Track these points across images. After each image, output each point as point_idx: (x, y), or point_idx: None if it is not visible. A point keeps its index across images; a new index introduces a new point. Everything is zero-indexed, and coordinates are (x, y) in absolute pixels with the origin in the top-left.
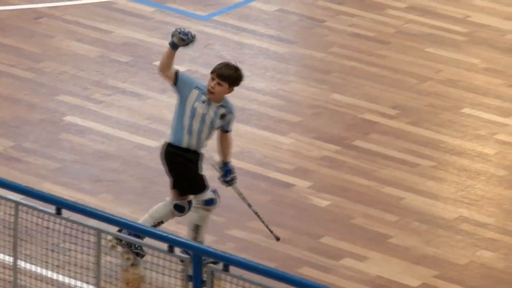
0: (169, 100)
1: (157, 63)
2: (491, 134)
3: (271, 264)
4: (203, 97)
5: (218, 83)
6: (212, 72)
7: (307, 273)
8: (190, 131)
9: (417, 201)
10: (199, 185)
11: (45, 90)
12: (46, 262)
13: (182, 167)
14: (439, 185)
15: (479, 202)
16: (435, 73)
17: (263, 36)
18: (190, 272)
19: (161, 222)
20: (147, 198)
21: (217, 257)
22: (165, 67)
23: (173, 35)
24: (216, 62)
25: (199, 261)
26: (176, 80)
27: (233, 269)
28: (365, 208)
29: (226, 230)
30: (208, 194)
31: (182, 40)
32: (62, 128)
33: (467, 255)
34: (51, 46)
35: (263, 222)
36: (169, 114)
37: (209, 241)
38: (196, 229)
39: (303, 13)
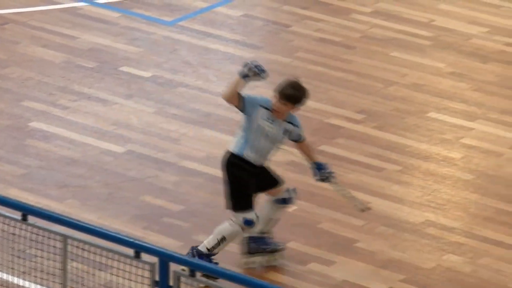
0: (135, 105)
1: (124, 68)
2: (457, 138)
3: (237, 269)
4: (269, 115)
5: (283, 103)
6: (276, 92)
7: (273, 278)
8: (255, 148)
9: (383, 206)
10: (248, 203)
11: (10, 96)
12: (12, 268)
13: (241, 180)
14: (405, 190)
15: (445, 206)
16: (400, 77)
17: (229, 41)
18: (156, 277)
19: (273, 219)
20: (114, 203)
21: (184, 263)
22: (233, 96)
23: (248, 68)
24: (182, 67)
25: (165, 266)
26: (242, 106)
27: (199, 274)
28: (331, 212)
29: (192, 235)
30: (251, 214)
31: (253, 72)
32: (27, 134)
33: (434, 259)
34: (16, 52)
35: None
36: (135, 120)
37: (175, 246)
38: (222, 241)
39: (268, 18)
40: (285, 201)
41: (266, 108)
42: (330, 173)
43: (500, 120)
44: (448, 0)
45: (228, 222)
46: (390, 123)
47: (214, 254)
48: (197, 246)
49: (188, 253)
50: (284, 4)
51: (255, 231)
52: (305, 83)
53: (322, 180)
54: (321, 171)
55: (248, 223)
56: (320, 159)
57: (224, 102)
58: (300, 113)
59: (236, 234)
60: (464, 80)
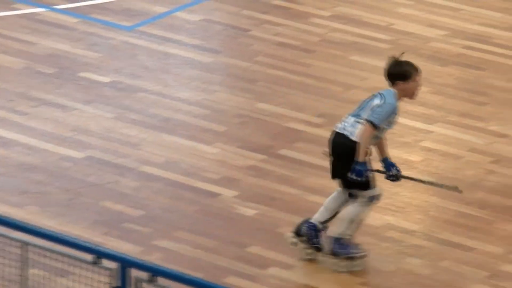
0: (95, 111)
1: (83, 74)
2: (416, 141)
3: (197, 274)
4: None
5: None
6: (410, 74)
7: (233, 282)
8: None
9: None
10: (373, 181)
11: None
12: None
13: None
14: None
15: (405, 209)
16: (360, 81)
17: (188, 46)
18: (116, 283)
19: (337, 213)
20: (74, 209)
21: (144, 268)
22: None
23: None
24: (141, 72)
25: (125, 272)
26: (376, 128)
27: (160, 279)
28: (291, 216)
29: (152, 240)
30: (377, 190)
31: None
32: None
33: (394, 262)
34: None
35: (441, 186)
36: (94, 126)
37: (135, 251)
38: (351, 223)
39: (228, 22)
40: (373, 199)
41: (397, 107)
42: (398, 170)
43: (459, 122)
44: (407, 3)
45: (355, 204)
46: None
47: (351, 237)
48: (332, 235)
49: (332, 246)
50: (244, 9)
51: (347, 233)
52: (264, 87)
53: (392, 178)
54: (391, 169)
55: (375, 198)
56: (280, 163)
57: (184, 107)
58: (259, 117)
59: (366, 213)
60: (424, 83)
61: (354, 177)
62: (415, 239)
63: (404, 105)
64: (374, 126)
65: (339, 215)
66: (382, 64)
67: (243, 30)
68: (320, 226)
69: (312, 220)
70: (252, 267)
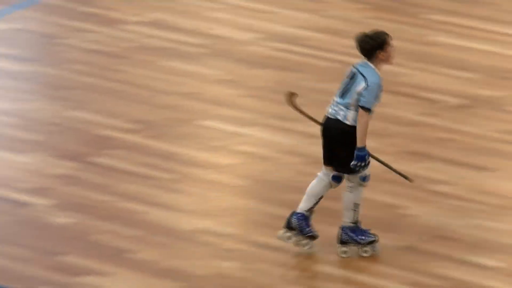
0: None
1: None
2: (232, 144)
3: (12, 285)
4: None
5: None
6: (383, 44)
7: None
8: None
9: (158, 215)
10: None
11: None
12: None
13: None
14: (179, 198)
15: (220, 213)
16: (176, 86)
17: (1, 55)
18: None
19: (321, 197)
20: None
21: None
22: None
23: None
24: None
25: None
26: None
27: None
28: (106, 224)
29: None
30: (366, 171)
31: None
32: None
33: (210, 266)
34: None
35: (395, 170)
36: None
37: None
38: (356, 208)
39: (41, 30)
40: (364, 179)
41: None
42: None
43: (272, 125)
44: (221, 8)
45: (350, 190)
46: (164, 132)
47: (359, 222)
48: (344, 226)
49: (342, 235)
50: (58, 17)
51: (355, 219)
52: (78, 95)
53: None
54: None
55: (366, 179)
56: (94, 171)
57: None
58: (72, 125)
59: (361, 195)
60: (238, 87)
61: (356, 163)
62: (230, 242)
63: (219, 109)
64: (368, 110)
65: (344, 206)
66: (197, 68)
67: (57, 37)
68: (307, 214)
69: (299, 211)
70: (67, 276)
